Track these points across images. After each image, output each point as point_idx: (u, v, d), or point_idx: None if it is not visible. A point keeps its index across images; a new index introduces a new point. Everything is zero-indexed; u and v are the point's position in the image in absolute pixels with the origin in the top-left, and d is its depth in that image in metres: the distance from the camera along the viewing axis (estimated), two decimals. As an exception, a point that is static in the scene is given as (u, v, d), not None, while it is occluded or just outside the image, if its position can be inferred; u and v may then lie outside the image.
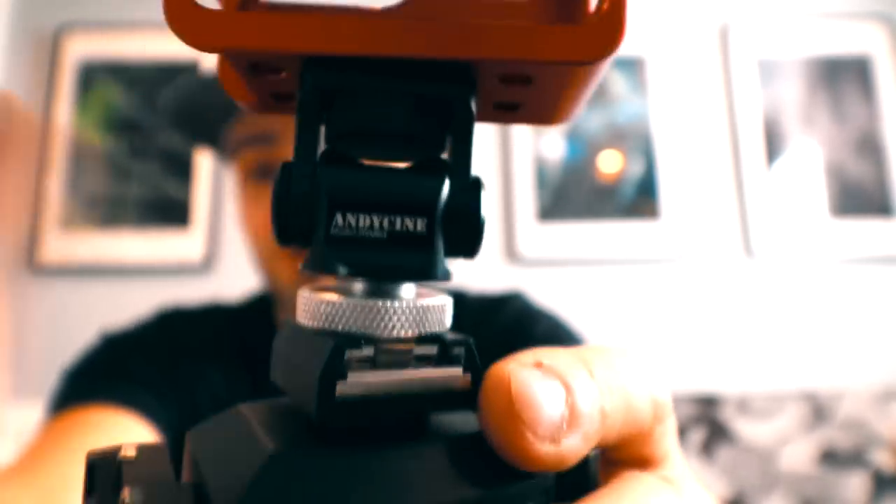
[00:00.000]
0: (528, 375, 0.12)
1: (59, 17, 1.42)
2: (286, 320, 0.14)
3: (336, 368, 0.12)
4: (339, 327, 0.13)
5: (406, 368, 0.13)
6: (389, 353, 0.13)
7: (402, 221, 0.13)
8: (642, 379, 0.14)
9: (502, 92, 0.14)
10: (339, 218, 0.12)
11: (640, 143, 1.42)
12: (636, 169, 1.41)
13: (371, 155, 0.13)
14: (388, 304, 0.13)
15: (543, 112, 0.15)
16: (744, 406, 1.32)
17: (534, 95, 0.14)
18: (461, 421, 0.14)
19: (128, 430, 0.46)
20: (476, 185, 0.13)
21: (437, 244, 0.13)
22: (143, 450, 0.13)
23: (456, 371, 0.13)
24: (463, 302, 0.61)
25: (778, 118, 1.44)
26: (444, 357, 0.13)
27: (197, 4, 0.12)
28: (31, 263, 1.34)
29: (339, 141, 0.13)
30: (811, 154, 1.43)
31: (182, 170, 1.36)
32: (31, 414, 1.23)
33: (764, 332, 1.37)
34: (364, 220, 0.13)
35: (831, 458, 1.29)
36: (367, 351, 0.12)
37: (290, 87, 0.14)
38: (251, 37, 0.12)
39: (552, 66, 0.12)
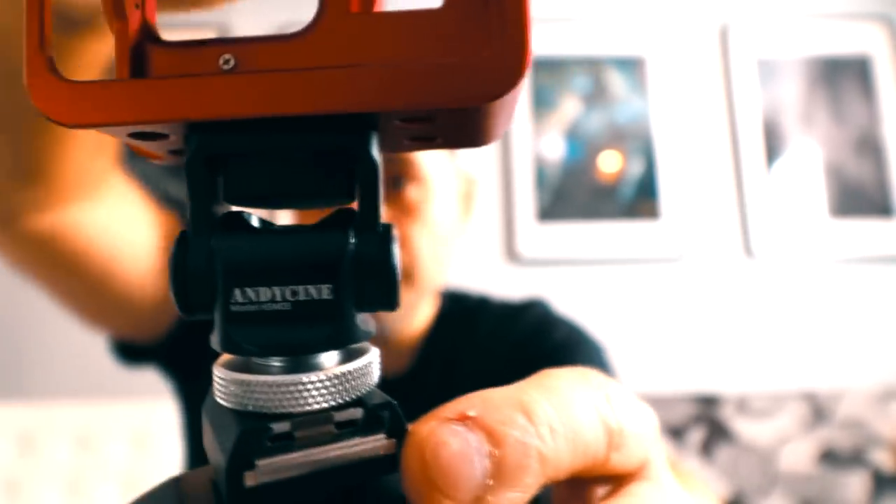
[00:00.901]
0: (446, 435, 0.11)
1: (59, 17, 1.42)
2: (208, 397, 0.13)
3: (242, 458, 0.11)
4: (251, 407, 0.12)
5: (327, 443, 0.12)
6: (308, 427, 0.12)
7: (306, 290, 0.12)
8: (592, 408, 0.13)
9: (410, 129, 0.13)
10: (237, 293, 0.12)
11: (639, 143, 1.42)
12: (636, 169, 1.41)
13: (273, 209, 0.13)
14: (302, 378, 0.12)
15: (463, 139, 0.14)
16: (743, 406, 1.32)
17: (447, 128, 0.13)
18: (394, 484, 0.13)
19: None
20: (386, 234, 0.12)
21: (347, 309, 0.12)
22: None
23: (380, 437, 0.12)
24: (485, 309, 0.62)
25: (778, 118, 1.44)
26: (369, 421, 0.12)
27: (60, 79, 0.11)
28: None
29: (237, 202, 0.13)
30: (811, 154, 1.43)
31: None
32: (31, 414, 1.23)
33: (764, 332, 1.37)
34: (265, 293, 0.12)
35: (831, 458, 1.29)
36: (282, 428, 0.12)
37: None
38: (121, 111, 0.11)
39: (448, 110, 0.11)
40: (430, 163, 0.52)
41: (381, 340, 0.53)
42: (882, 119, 1.43)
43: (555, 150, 1.42)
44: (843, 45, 1.46)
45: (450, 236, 0.55)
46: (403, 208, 0.50)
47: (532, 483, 0.12)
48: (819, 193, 1.41)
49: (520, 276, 1.36)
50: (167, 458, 1.22)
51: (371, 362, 0.13)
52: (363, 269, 0.12)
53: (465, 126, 0.13)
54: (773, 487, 1.28)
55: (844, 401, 1.32)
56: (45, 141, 0.33)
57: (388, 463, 0.12)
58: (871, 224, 1.39)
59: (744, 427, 1.31)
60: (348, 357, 0.13)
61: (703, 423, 1.31)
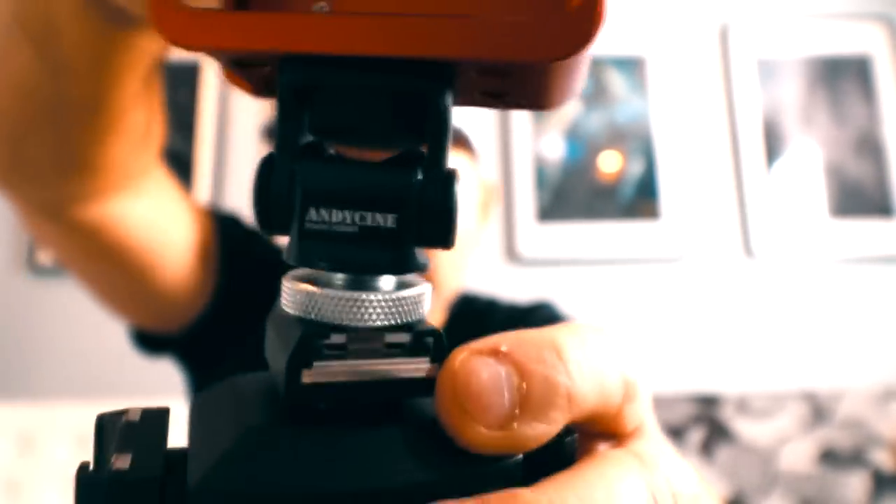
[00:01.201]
0: (476, 364, 0.12)
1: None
2: (276, 302, 0.15)
3: (301, 357, 0.12)
4: (313, 316, 0.13)
5: (376, 358, 0.13)
6: (361, 342, 0.13)
7: (373, 216, 0.13)
8: (614, 358, 0.14)
9: (484, 82, 0.14)
10: (312, 212, 0.13)
11: (639, 143, 1.42)
12: (636, 169, 1.41)
13: (350, 146, 0.14)
14: (362, 295, 0.13)
15: (533, 99, 0.15)
16: (743, 406, 1.32)
17: (517, 84, 0.14)
18: (430, 407, 0.14)
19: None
20: (449, 177, 0.13)
21: (407, 239, 0.13)
22: (146, 415, 0.14)
23: (423, 361, 0.13)
24: (494, 311, 0.63)
25: (778, 118, 1.44)
26: (415, 346, 0.13)
27: (181, 4, 0.12)
28: (31, 263, 1.34)
29: (320, 134, 0.14)
30: (811, 154, 1.43)
31: (183, 168, 1.36)
32: (30, 414, 1.23)
33: (763, 332, 1.37)
34: (336, 215, 0.13)
35: (831, 458, 1.29)
36: (338, 339, 0.13)
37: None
38: (227, 37, 0.12)
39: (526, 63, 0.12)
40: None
41: None
42: (882, 119, 1.43)
43: (555, 150, 1.42)
44: (843, 45, 1.46)
45: (467, 245, 0.55)
46: None
47: (558, 418, 0.13)
48: (819, 193, 1.41)
49: (520, 277, 1.36)
50: (167, 458, 1.22)
51: (423, 293, 0.14)
52: (426, 206, 0.13)
53: (536, 85, 0.14)
54: (773, 487, 1.28)
55: (844, 401, 1.32)
56: (91, 134, 0.33)
57: (429, 386, 0.13)
58: (870, 224, 1.39)
59: (744, 427, 1.31)
60: (402, 286, 0.14)
61: (703, 423, 1.31)
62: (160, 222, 0.47)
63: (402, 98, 0.13)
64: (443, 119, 0.13)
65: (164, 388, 1.15)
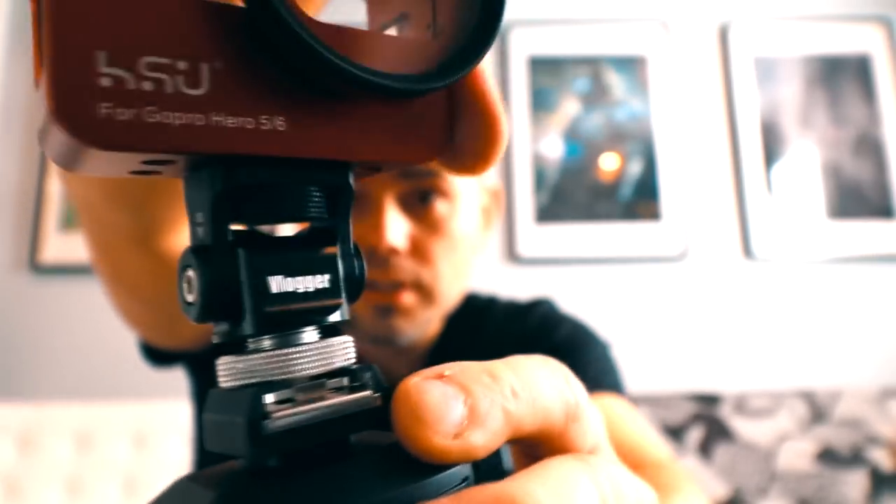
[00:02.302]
0: (428, 385, 0.14)
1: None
2: (210, 392, 0.16)
3: (259, 409, 0.14)
4: (256, 379, 0.15)
5: (323, 401, 0.15)
6: (305, 391, 0.15)
7: (316, 279, 0.15)
8: (550, 380, 0.16)
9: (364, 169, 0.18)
10: (268, 284, 0.15)
11: (639, 143, 1.43)
12: (635, 169, 1.42)
13: (267, 224, 0.16)
14: (297, 349, 0.15)
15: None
16: (742, 405, 1.32)
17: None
18: (379, 437, 0.16)
19: None
20: (357, 251, 0.17)
21: (341, 292, 0.16)
22: None
23: (366, 393, 0.15)
24: (493, 308, 0.63)
25: (777, 118, 1.44)
26: (354, 384, 0.16)
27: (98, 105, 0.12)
28: (32, 263, 1.34)
29: (244, 221, 0.16)
30: (809, 155, 1.43)
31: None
32: (30, 414, 1.23)
33: (762, 332, 1.38)
34: (290, 284, 0.15)
35: (829, 457, 1.30)
36: (285, 392, 0.14)
37: (171, 172, 0.16)
38: (163, 138, 0.13)
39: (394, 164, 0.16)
40: (459, 178, 0.52)
41: (397, 349, 0.53)
42: (881, 119, 1.44)
43: (554, 150, 1.42)
44: (842, 45, 1.47)
45: (471, 251, 0.55)
46: (431, 224, 0.50)
47: (498, 429, 0.14)
48: (817, 194, 1.41)
49: (520, 277, 1.36)
50: (167, 458, 1.22)
51: (348, 340, 0.16)
52: (346, 274, 0.16)
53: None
54: (771, 486, 1.29)
55: (843, 400, 1.32)
56: None
57: (377, 415, 0.15)
58: (868, 225, 1.40)
59: (743, 426, 1.31)
60: (327, 335, 0.16)
61: (702, 422, 1.31)
62: None
63: (314, 187, 0.16)
64: (348, 205, 0.17)
65: (164, 388, 1.16)
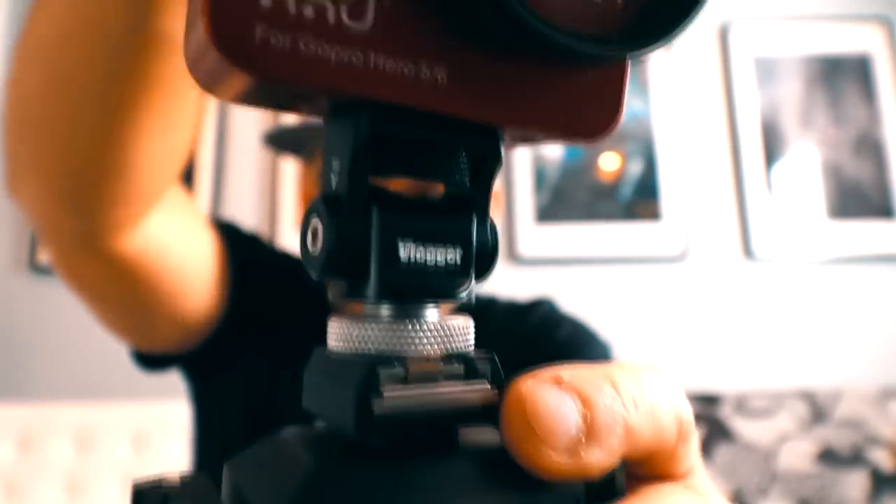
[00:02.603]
0: (544, 391, 0.13)
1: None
2: (316, 350, 0.15)
3: (371, 386, 0.13)
4: (371, 349, 0.13)
5: (436, 385, 0.13)
6: (420, 371, 0.13)
7: (446, 251, 0.14)
8: (668, 396, 0.14)
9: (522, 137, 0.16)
10: (398, 249, 0.13)
11: (639, 143, 1.43)
12: (635, 169, 1.42)
13: (406, 178, 0.15)
14: (416, 323, 0.14)
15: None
16: (743, 405, 1.32)
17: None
18: (490, 434, 0.14)
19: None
20: (493, 227, 0.15)
21: (470, 270, 0.14)
22: (185, 479, 0.14)
23: (483, 385, 0.14)
24: (493, 307, 0.63)
25: (777, 118, 1.44)
26: (470, 373, 0.14)
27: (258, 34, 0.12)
28: (32, 263, 1.34)
29: (383, 173, 0.14)
30: (809, 155, 1.43)
31: (186, 175, 1.36)
32: (30, 414, 1.23)
33: (762, 332, 1.38)
34: (419, 252, 0.14)
35: (830, 457, 1.30)
36: (399, 369, 0.13)
37: (309, 110, 0.14)
38: (319, 74, 0.12)
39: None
40: None
41: None
42: (881, 119, 1.44)
43: (554, 150, 1.42)
44: (843, 45, 1.47)
45: None
46: None
47: (617, 447, 0.13)
48: (817, 194, 1.41)
49: (520, 277, 1.36)
50: (167, 459, 1.22)
51: (470, 323, 0.15)
52: (480, 247, 0.15)
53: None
54: (772, 486, 1.28)
55: (843, 400, 1.32)
56: (138, 139, 0.33)
57: (489, 412, 0.14)
58: (869, 225, 1.40)
59: (743, 426, 1.31)
60: (449, 318, 0.15)
61: (703, 423, 1.31)
62: (187, 241, 0.46)
63: (462, 150, 0.15)
64: (493, 175, 0.15)
65: (163, 388, 1.15)
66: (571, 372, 0.13)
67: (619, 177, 1.41)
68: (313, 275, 0.14)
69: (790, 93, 1.45)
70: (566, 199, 1.40)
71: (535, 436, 0.12)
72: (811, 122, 1.44)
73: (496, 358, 0.14)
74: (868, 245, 1.39)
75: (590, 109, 0.15)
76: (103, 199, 0.36)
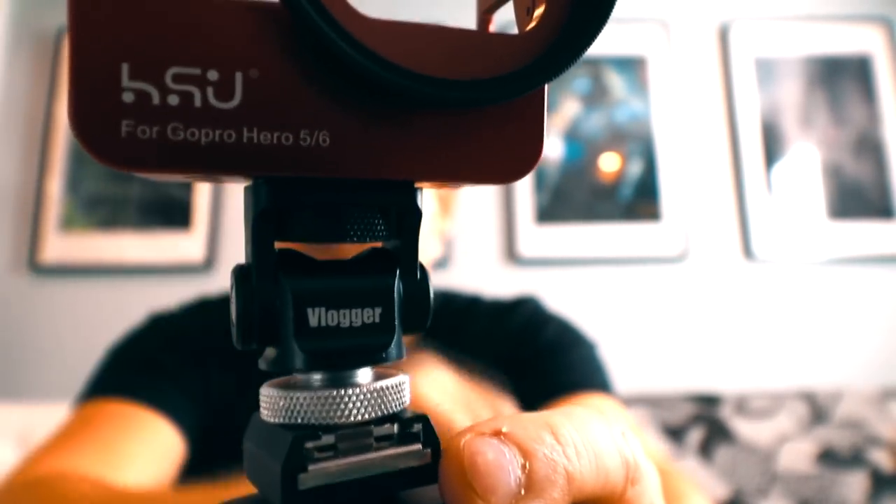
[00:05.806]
0: (482, 445, 0.13)
1: (60, 18, 1.42)
2: (253, 417, 0.15)
3: (296, 461, 0.12)
4: (299, 420, 0.13)
5: (368, 452, 0.13)
6: (350, 439, 0.13)
7: (363, 313, 0.14)
8: (612, 441, 0.14)
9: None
10: (308, 316, 0.13)
11: (639, 143, 1.43)
12: (635, 169, 1.42)
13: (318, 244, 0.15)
14: (345, 391, 0.13)
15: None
16: (743, 405, 1.32)
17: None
18: (428, 495, 0.14)
19: (152, 430, 0.48)
20: (423, 274, 0.15)
21: (394, 329, 0.14)
22: None
23: (416, 447, 0.14)
24: (477, 307, 0.62)
25: (777, 119, 1.44)
26: (404, 435, 0.14)
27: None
28: (32, 263, 1.34)
29: (292, 240, 0.14)
30: (810, 156, 1.43)
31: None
32: (30, 414, 1.23)
33: (762, 332, 1.38)
34: (333, 317, 0.13)
35: (830, 458, 1.29)
36: (328, 439, 0.13)
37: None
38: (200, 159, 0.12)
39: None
40: None
41: None
42: (881, 120, 1.44)
43: (554, 150, 1.42)
44: (843, 45, 1.47)
45: (426, 238, 0.54)
46: None
47: (559, 497, 0.13)
48: (818, 194, 1.41)
49: (520, 277, 1.36)
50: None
51: (403, 382, 0.14)
52: (408, 302, 0.14)
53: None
54: (772, 487, 1.28)
55: (843, 401, 1.32)
56: None
57: (425, 473, 0.14)
58: (869, 225, 1.40)
59: (743, 427, 1.31)
60: (380, 377, 0.14)
61: (703, 423, 1.31)
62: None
63: (373, 209, 0.14)
64: (416, 225, 0.14)
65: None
66: (512, 422, 0.13)
67: (619, 177, 1.41)
68: (236, 345, 0.14)
69: (790, 93, 1.45)
70: (566, 200, 1.40)
71: (474, 492, 0.12)
72: (811, 123, 1.44)
73: (428, 418, 0.14)
74: (868, 245, 1.39)
75: (505, 150, 0.14)
76: None
